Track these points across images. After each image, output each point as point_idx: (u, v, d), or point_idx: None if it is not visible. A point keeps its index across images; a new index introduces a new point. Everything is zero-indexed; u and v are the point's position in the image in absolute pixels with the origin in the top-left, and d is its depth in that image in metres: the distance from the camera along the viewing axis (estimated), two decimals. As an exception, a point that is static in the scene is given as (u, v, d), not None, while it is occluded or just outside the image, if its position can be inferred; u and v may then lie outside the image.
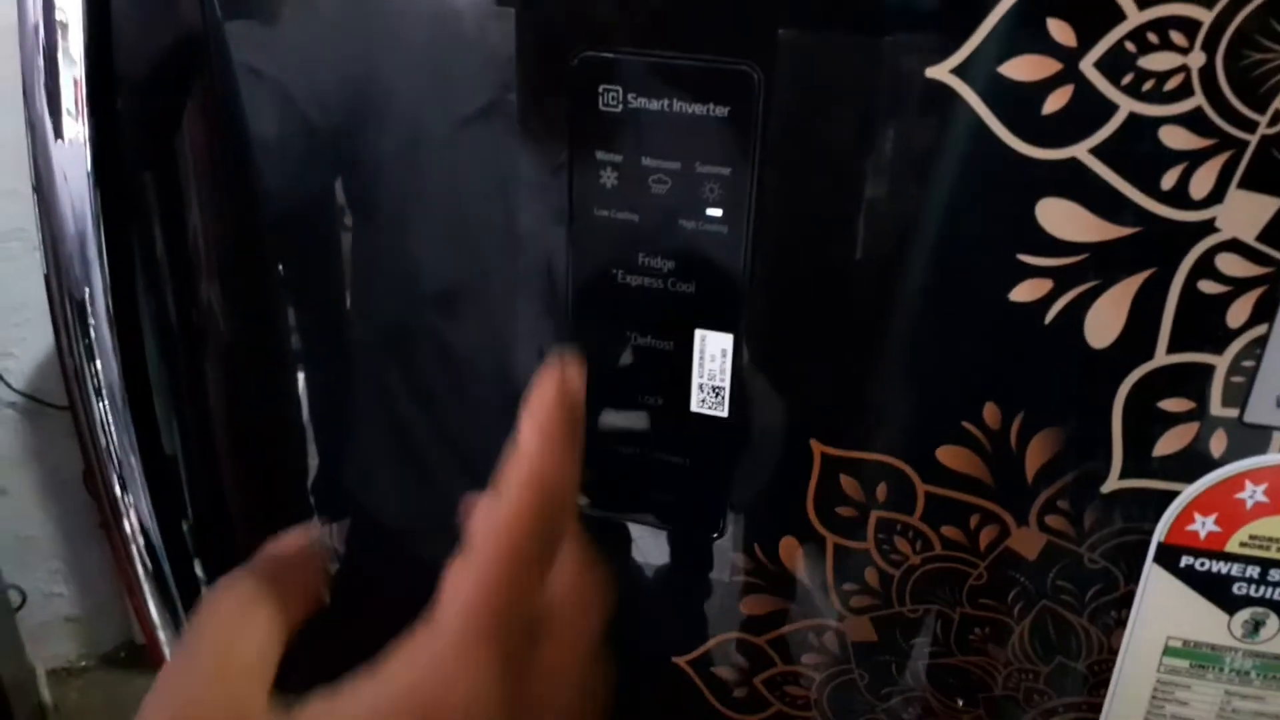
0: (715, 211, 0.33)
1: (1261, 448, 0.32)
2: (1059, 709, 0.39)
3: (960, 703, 0.40)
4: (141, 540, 0.46)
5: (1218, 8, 0.27)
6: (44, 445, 1.58)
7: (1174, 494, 0.33)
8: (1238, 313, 0.30)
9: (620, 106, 0.33)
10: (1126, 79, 0.28)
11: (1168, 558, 0.34)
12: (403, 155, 0.37)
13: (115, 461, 0.44)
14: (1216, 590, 0.35)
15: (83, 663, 1.76)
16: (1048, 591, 0.36)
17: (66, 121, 0.39)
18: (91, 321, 0.42)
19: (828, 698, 0.42)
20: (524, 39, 0.34)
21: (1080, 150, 0.29)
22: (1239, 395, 0.31)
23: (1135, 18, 0.28)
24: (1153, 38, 0.28)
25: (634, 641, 0.37)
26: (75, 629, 1.74)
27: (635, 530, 0.41)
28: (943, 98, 0.30)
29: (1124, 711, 0.38)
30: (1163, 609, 0.35)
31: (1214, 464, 0.33)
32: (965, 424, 0.34)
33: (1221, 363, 0.31)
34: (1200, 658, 0.36)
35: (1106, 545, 0.35)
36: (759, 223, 0.33)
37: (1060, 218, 0.30)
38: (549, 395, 0.27)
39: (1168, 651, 0.36)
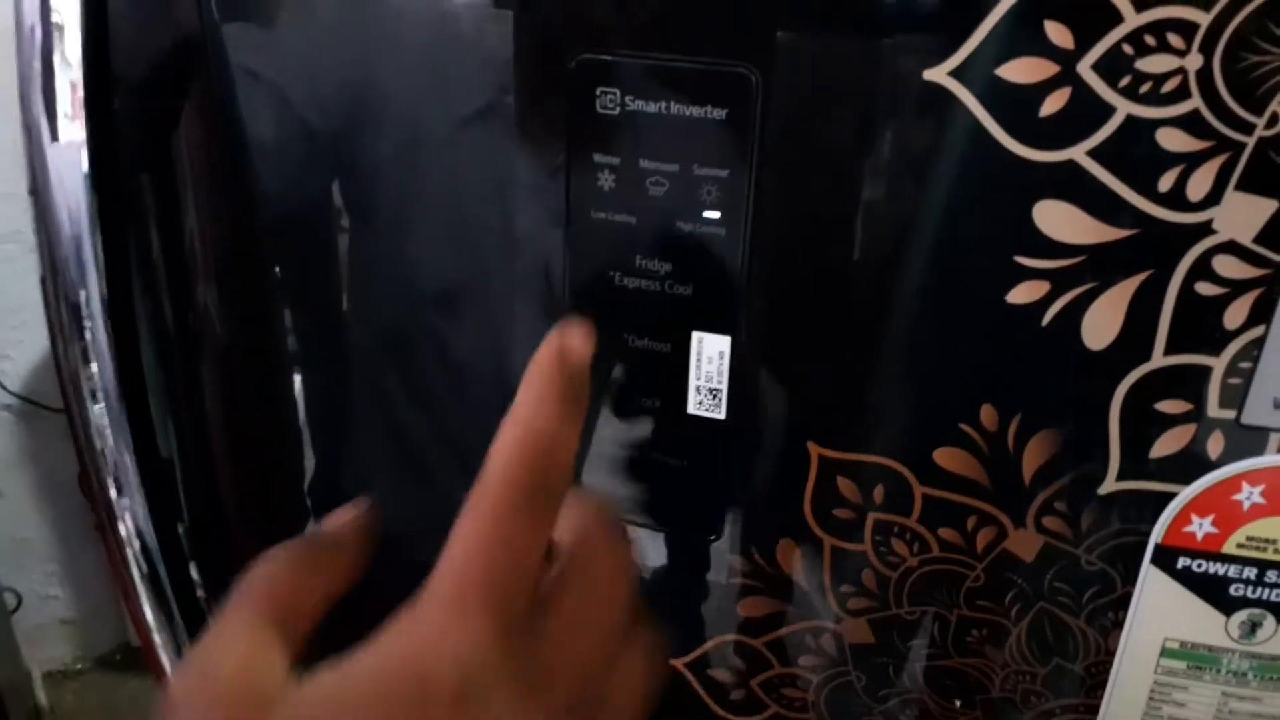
0: (713, 214, 0.33)
1: (1259, 449, 0.32)
2: (1056, 710, 0.39)
3: (958, 704, 0.40)
4: (137, 543, 0.45)
5: (1215, 10, 0.27)
6: (40, 448, 1.58)
7: (1171, 495, 0.34)
8: (1235, 314, 0.30)
9: (618, 109, 0.33)
10: (1124, 81, 0.28)
11: (1165, 559, 0.35)
12: (400, 157, 0.37)
13: (111, 464, 0.44)
14: (1213, 591, 0.35)
15: (78, 665, 1.75)
16: (1045, 593, 0.36)
17: (63, 124, 0.39)
18: (88, 324, 0.41)
19: (825, 700, 0.41)
20: (521, 41, 0.33)
21: (1078, 152, 0.29)
22: (1236, 397, 0.31)
23: (1133, 20, 0.28)
24: (1150, 40, 0.28)
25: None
26: (71, 631, 1.73)
27: (632, 532, 0.41)
28: (940, 100, 0.30)
29: (1121, 713, 0.38)
30: (1160, 610, 0.35)
31: (1211, 465, 0.33)
32: (962, 426, 0.34)
33: (1219, 364, 0.31)
34: (1197, 659, 0.36)
35: (1104, 547, 0.35)
36: (757, 225, 0.33)
37: (1058, 220, 0.30)
38: (545, 357, 0.27)
39: (1165, 653, 0.36)
